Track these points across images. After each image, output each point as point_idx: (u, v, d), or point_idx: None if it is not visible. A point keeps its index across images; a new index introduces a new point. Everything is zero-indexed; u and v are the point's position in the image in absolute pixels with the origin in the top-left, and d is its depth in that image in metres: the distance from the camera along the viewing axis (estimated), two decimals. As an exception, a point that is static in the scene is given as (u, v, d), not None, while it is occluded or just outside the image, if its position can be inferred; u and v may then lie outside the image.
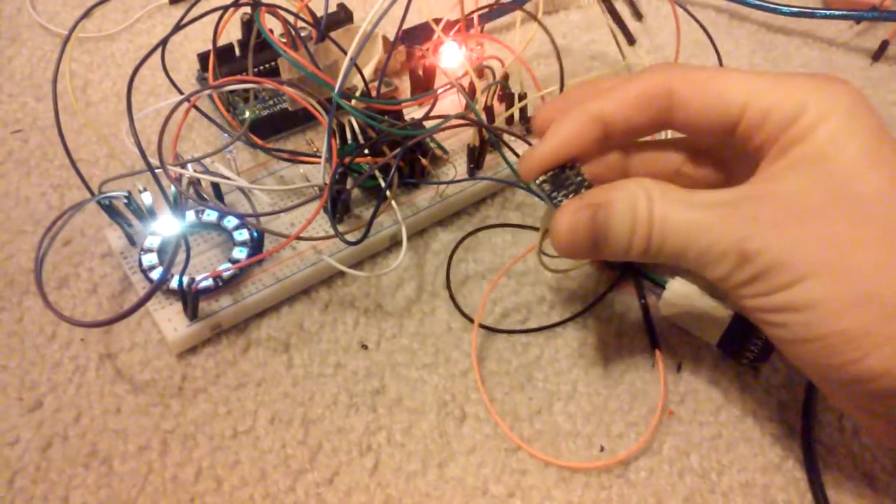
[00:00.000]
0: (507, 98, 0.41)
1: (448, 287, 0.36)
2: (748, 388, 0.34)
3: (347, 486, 0.30)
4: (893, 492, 0.31)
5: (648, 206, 0.26)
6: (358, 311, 0.36)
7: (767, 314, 0.26)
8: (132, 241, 0.36)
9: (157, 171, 0.30)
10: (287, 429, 0.32)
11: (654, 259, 0.27)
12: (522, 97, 0.40)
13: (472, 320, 0.35)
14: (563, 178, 0.29)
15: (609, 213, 0.27)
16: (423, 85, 0.42)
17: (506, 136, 0.40)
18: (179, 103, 0.31)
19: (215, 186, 0.36)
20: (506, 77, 0.41)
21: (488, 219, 0.40)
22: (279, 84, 0.33)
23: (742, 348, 0.33)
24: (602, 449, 0.32)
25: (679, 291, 0.35)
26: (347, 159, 0.34)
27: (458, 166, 0.40)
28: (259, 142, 0.36)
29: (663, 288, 0.35)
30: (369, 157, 0.36)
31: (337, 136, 0.36)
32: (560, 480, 0.31)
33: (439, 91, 0.37)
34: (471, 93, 0.37)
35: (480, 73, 0.39)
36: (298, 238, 0.34)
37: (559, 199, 0.29)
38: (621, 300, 0.36)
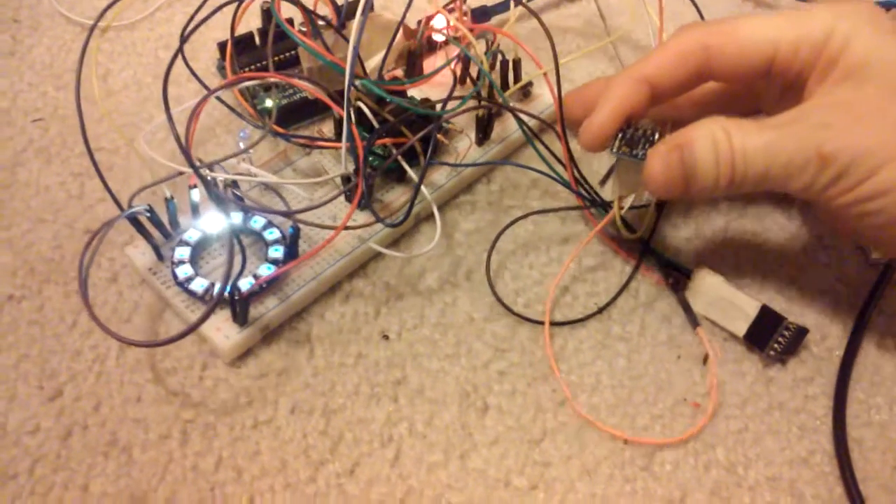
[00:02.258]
0: (502, 66, 0.41)
1: (491, 287, 0.36)
2: (774, 380, 0.33)
3: (368, 477, 0.30)
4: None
5: (727, 137, 0.29)
6: (379, 301, 0.35)
7: (858, 205, 0.28)
8: (159, 254, 0.34)
9: (197, 171, 0.29)
10: (308, 419, 0.31)
11: (739, 188, 0.29)
12: (517, 63, 0.41)
13: (540, 322, 0.34)
14: (631, 135, 0.31)
15: (693, 150, 0.29)
16: (417, 63, 0.42)
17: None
18: (200, 102, 0.31)
19: (234, 185, 0.36)
20: (498, 45, 0.41)
21: (513, 209, 0.39)
22: (290, 77, 0.32)
23: (769, 340, 0.33)
24: (626, 442, 0.31)
25: (706, 282, 0.34)
26: (375, 142, 0.34)
27: (470, 136, 0.40)
28: (282, 131, 0.36)
29: (689, 278, 0.35)
30: (388, 139, 0.36)
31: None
32: (584, 472, 0.30)
33: (452, 65, 0.38)
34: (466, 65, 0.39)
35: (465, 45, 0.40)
36: (346, 228, 0.33)
37: (641, 153, 0.31)
38: (646, 291, 0.36)
